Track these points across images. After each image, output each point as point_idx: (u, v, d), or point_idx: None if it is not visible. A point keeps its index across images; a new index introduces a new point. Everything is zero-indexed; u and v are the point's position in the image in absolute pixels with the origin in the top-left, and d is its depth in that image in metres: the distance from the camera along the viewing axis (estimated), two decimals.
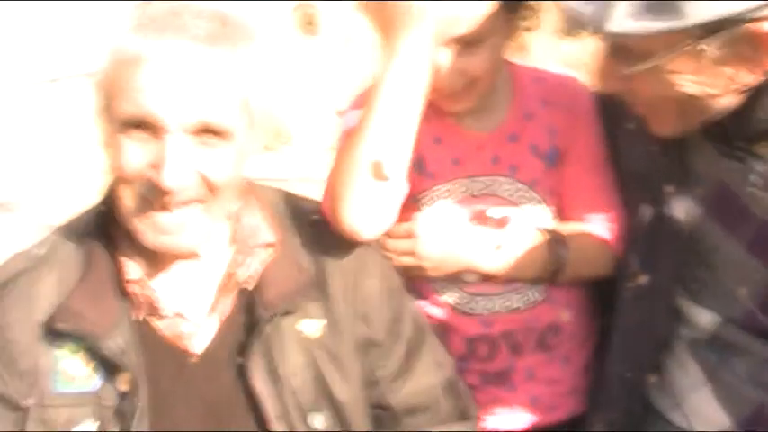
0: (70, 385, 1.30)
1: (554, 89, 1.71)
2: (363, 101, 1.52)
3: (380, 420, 1.45)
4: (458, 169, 1.66)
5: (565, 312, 1.69)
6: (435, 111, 1.60)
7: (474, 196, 1.65)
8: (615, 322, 1.61)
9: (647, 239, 1.55)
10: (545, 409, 1.70)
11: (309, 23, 6.69)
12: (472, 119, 1.66)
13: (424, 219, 1.61)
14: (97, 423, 1.29)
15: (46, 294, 1.32)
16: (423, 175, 1.64)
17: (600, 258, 1.66)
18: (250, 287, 1.35)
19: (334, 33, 6.08)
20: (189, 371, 1.33)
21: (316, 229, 1.43)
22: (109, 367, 1.30)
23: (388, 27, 1.48)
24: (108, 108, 1.26)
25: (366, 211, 1.42)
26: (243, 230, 1.37)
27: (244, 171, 1.32)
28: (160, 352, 1.33)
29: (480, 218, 1.64)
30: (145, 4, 1.26)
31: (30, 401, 1.29)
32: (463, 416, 1.52)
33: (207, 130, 1.23)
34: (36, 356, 1.30)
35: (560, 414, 1.71)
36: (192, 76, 1.21)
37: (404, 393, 1.45)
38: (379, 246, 1.51)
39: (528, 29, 1.62)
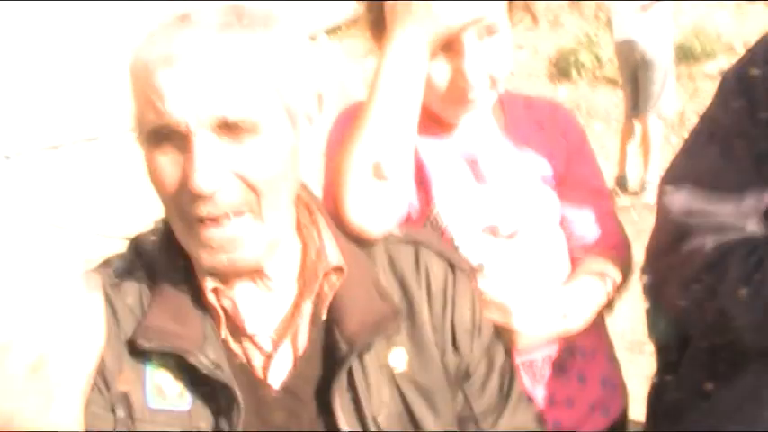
0: (163, 402, 1.21)
1: (545, 114, 1.67)
2: (355, 108, 1.49)
3: None
4: (465, 178, 1.59)
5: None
6: (424, 128, 1.50)
7: (483, 209, 1.58)
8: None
9: None
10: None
11: None
12: (465, 134, 1.61)
13: (513, 294, 1.44)
14: None
15: (132, 308, 1.24)
16: (427, 189, 1.57)
17: (628, 280, 1.65)
18: (323, 316, 1.25)
19: None
20: (268, 405, 1.24)
21: (398, 250, 1.33)
22: (202, 385, 1.20)
23: (386, 24, 1.43)
24: (139, 128, 1.17)
25: (370, 210, 1.34)
26: (310, 253, 1.27)
27: (293, 171, 1.20)
28: (242, 380, 1.22)
29: (493, 232, 1.58)
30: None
31: (120, 413, 1.21)
32: None
33: (231, 126, 1.12)
34: (124, 370, 1.21)
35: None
36: (203, 68, 1.10)
37: (501, 428, 1.35)
38: (469, 274, 1.37)
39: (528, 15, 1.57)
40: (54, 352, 1.04)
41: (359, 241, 1.32)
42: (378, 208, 1.35)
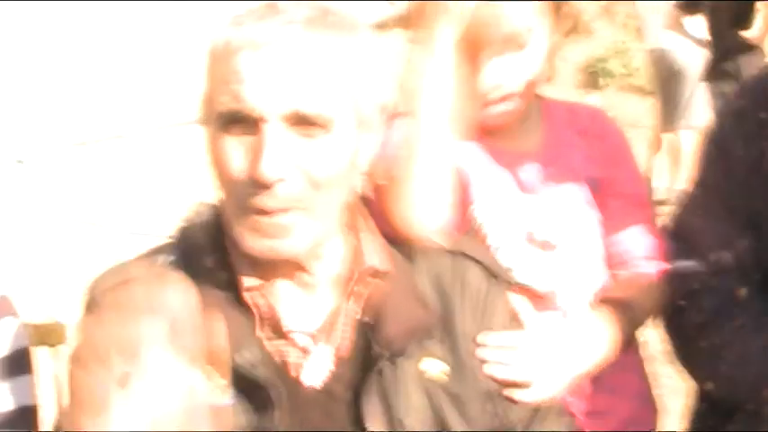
0: None
1: (586, 119, 1.66)
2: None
3: None
4: (506, 180, 1.59)
5: None
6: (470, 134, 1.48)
7: (520, 214, 1.58)
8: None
9: None
10: None
11: None
12: (504, 140, 1.60)
13: (525, 335, 1.37)
14: None
15: (171, 304, 1.15)
16: (466, 190, 1.55)
17: (656, 302, 1.60)
18: (365, 319, 1.26)
19: None
20: (305, 404, 1.24)
21: (438, 259, 1.33)
22: (238, 383, 1.17)
23: (421, 23, 1.42)
24: (208, 108, 1.20)
25: (417, 207, 1.35)
26: (357, 256, 1.27)
27: (353, 174, 1.24)
28: (276, 380, 1.22)
29: (529, 239, 1.57)
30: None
31: None
32: None
33: (305, 119, 1.15)
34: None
35: None
36: (286, 58, 1.14)
37: None
38: (506, 287, 1.37)
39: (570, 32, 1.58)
40: (140, 373, 1.03)
41: (402, 247, 1.33)
42: (425, 205, 1.36)
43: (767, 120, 1.47)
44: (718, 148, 1.56)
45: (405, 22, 1.58)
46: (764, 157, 1.46)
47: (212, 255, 1.26)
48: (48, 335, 2.07)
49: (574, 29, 1.64)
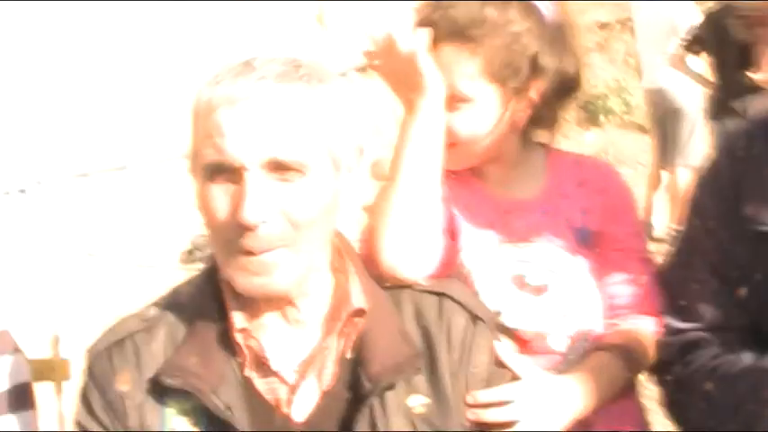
0: None
1: (590, 172, 1.70)
2: None
3: None
4: (491, 232, 1.63)
5: None
6: (461, 178, 1.62)
7: (510, 260, 1.62)
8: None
9: None
10: None
11: None
12: (502, 187, 1.66)
13: (517, 386, 1.43)
14: None
15: (156, 352, 1.32)
16: (456, 238, 1.61)
17: (651, 354, 1.61)
18: (350, 356, 1.32)
19: None
20: None
21: (423, 300, 1.40)
22: (216, 426, 1.27)
23: (403, 89, 1.51)
24: (195, 160, 1.29)
25: (403, 252, 1.42)
26: (344, 295, 1.35)
27: (332, 214, 1.32)
28: (263, 417, 1.30)
29: (519, 284, 1.60)
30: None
31: None
32: None
33: (282, 166, 1.24)
34: (144, 414, 1.29)
35: None
36: (261, 111, 1.23)
37: None
38: (491, 327, 1.43)
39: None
40: None
41: (389, 287, 1.40)
42: (411, 251, 1.43)
43: (741, 178, 1.51)
44: (697, 206, 1.60)
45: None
46: (738, 216, 1.49)
47: (207, 302, 1.34)
48: (51, 370, 2.09)
49: (570, 88, 1.69)
